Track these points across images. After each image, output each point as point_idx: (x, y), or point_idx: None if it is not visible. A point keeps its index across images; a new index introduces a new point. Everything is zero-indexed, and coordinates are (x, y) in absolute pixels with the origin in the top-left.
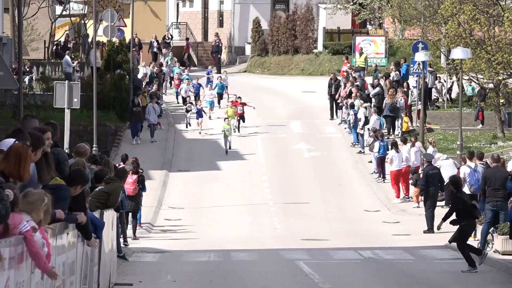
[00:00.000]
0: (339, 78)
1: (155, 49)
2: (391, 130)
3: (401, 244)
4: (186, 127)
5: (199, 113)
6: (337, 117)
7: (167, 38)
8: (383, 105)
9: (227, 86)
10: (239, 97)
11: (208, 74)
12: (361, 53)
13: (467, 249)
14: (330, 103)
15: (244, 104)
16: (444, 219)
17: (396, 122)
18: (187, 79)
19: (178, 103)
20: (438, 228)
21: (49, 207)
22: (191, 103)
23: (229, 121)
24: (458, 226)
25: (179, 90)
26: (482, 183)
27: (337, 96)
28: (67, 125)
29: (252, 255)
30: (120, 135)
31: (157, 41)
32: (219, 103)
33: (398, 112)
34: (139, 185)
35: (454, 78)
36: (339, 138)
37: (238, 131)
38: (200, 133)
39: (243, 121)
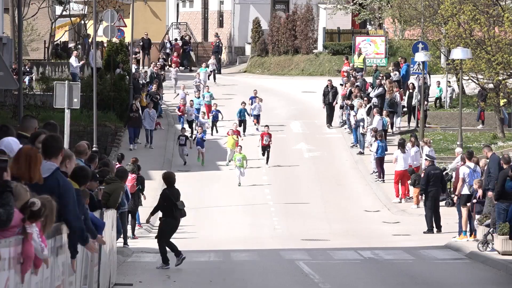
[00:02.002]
0: (335, 85)
1: (167, 50)
2: (390, 127)
3: (401, 244)
4: (184, 164)
5: (201, 143)
6: (331, 126)
7: (185, 37)
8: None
9: (258, 115)
10: (267, 126)
11: (251, 99)
12: (359, 54)
13: (164, 246)
14: (327, 111)
15: (270, 136)
16: (151, 214)
17: (395, 118)
18: (191, 100)
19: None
20: (147, 221)
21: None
22: (185, 136)
23: (241, 149)
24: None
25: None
26: (501, 181)
27: (334, 103)
28: (67, 125)
29: (252, 255)
30: (120, 136)
31: (170, 42)
32: (244, 130)
33: (397, 108)
34: (138, 185)
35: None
36: (339, 138)
37: (266, 162)
38: (202, 164)
39: (267, 158)
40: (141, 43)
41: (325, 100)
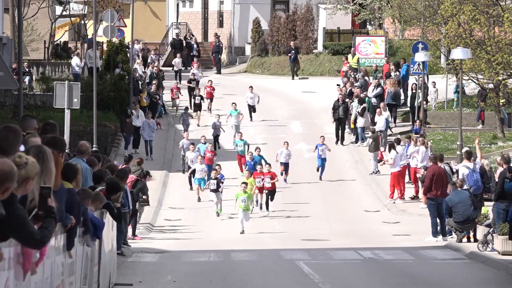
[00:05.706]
0: (347, 99)
1: (194, 52)
2: (394, 121)
3: (401, 244)
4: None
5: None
6: (342, 144)
7: (188, 37)
8: (385, 95)
9: (287, 164)
10: (268, 164)
11: (317, 147)
12: (353, 54)
13: None
14: (336, 127)
15: (274, 176)
16: None
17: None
18: (192, 144)
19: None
20: None
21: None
22: (218, 178)
23: (246, 187)
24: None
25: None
26: (501, 182)
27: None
28: (67, 125)
29: (252, 255)
30: (120, 136)
31: (197, 43)
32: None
33: (399, 101)
34: (133, 187)
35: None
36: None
37: (267, 208)
38: (220, 212)
39: (267, 204)
40: (172, 44)
41: (334, 115)
